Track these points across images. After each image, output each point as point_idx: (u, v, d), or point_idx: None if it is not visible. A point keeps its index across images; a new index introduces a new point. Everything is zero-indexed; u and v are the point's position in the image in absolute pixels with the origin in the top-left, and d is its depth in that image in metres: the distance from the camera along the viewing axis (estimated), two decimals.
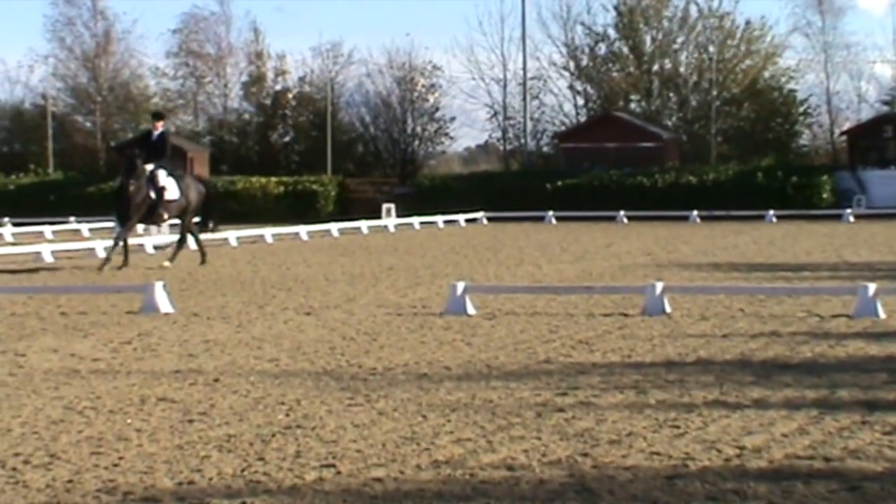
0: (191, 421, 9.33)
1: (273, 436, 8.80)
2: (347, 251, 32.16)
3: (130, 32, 71.50)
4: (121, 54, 71.51)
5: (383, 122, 68.49)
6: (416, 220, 46.90)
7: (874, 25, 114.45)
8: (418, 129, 68.20)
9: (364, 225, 44.16)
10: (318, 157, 64.12)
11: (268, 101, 69.99)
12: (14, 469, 7.80)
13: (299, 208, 54.83)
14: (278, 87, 70.51)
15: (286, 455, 8.17)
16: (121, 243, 25.20)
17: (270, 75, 70.82)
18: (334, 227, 42.09)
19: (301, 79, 70.06)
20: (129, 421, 9.35)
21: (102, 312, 17.08)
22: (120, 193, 25.66)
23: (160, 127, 26.46)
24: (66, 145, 70.06)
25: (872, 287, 15.46)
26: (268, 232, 38.08)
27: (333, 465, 7.84)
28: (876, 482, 7.25)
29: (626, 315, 15.99)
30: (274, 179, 59.04)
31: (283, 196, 57.48)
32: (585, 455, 8.07)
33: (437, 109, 68.87)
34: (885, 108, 61.04)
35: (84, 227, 44.17)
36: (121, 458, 8.06)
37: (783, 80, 63.54)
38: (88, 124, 71.66)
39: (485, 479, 7.45)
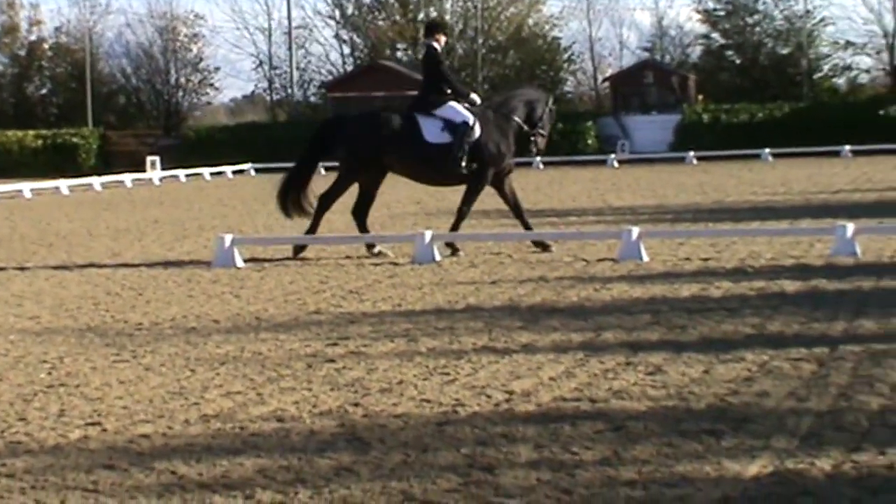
0: None
1: (35, 395, 8.54)
2: (111, 205, 31.48)
3: None
4: None
5: (145, 72, 67.19)
6: (181, 173, 46.17)
7: None
8: (182, 79, 67.15)
9: (128, 178, 43.32)
10: (77, 109, 62.51)
11: (22, 52, 67.89)
12: None
13: (59, 162, 53.42)
14: (33, 38, 68.48)
15: (49, 414, 7.93)
16: None
17: (24, 25, 68.73)
18: (96, 181, 41.18)
19: (57, 29, 68.21)
20: None
21: None
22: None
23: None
24: None
25: (636, 230, 15.78)
26: (26, 187, 37.04)
27: (99, 423, 7.64)
28: (639, 421, 7.40)
29: (396, 264, 16.00)
30: (31, 133, 57.38)
31: (41, 150, 55.93)
32: (356, 405, 8.04)
33: (202, 60, 67.94)
34: (646, 55, 62.40)
35: None
36: None
37: (547, 27, 64.45)
38: None
39: (255, 432, 7.36)
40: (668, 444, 6.90)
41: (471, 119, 17.11)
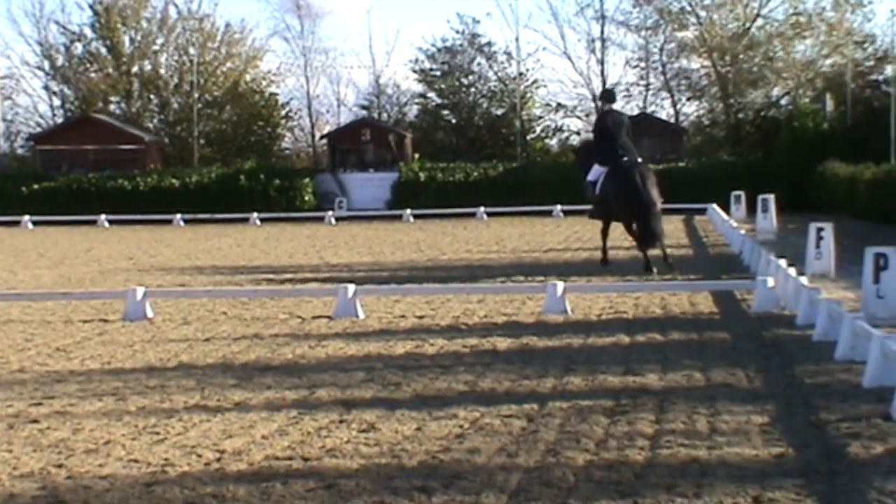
0: None
1: None
2: None
3: None
4: None
5: None
6: None
7: (351, 32, 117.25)
8: None
9: None
10: None
11: None
12: None
13: None
14: None
15: None
16: None
17: None
18: None
19: None
20: None
21: None
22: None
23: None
24: None
25: (352, 288, 15.81)
26: None
27: None
28: (351, 479, 7.37)
29: (106, 321, 15.63)
30: None
31: None
32: (60, 466, 7.79)
33: None
34: (364, 113, 62.91)
35: None
36: None
37: (265, 83, 64.26)
38: None
39: None
40: (380, 502, 6.89)
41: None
